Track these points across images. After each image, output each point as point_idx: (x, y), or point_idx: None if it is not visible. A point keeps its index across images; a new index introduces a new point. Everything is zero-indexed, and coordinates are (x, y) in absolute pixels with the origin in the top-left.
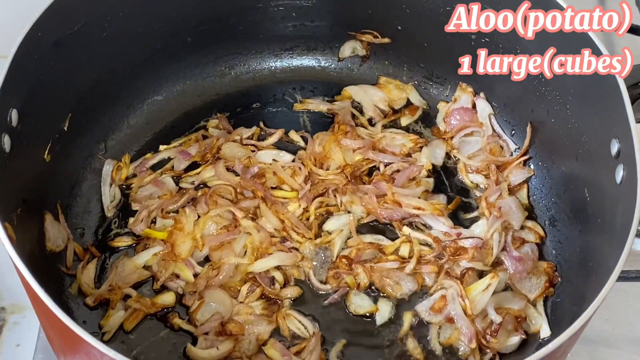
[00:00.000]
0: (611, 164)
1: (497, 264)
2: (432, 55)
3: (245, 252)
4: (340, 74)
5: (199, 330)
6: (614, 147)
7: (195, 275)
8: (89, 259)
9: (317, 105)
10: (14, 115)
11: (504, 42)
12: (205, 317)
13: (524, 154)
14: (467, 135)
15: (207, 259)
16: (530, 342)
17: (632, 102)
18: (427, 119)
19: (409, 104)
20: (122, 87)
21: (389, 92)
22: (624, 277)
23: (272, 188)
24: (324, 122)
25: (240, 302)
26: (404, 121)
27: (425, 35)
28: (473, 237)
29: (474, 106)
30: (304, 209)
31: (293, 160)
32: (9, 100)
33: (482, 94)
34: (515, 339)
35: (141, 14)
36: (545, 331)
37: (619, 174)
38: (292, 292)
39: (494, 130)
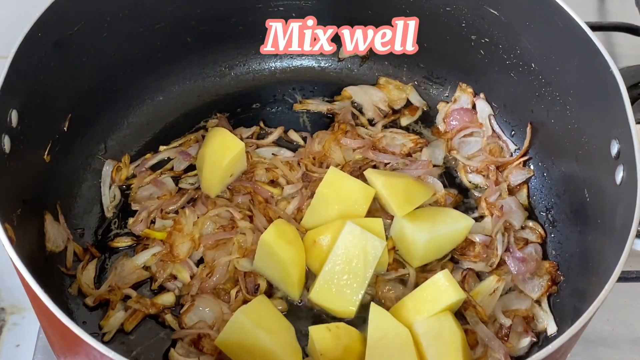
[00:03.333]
0: (611, 165)
1: (498, 265)
2: (431, 56)
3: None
4: (340, 74)
5: (176, 334)
6: (614, 148)
7: (193, 277)
8: (89, 259)
9: (317, 105)
10: (14, 115)
11: (504, 43)
12: (193, 320)
13: (524, 155)
14: (467, 136)
15: (202, 260)
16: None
17: (632, 103)
18: (427, 119)
19: (408, 104)
20: (122, 87)
21: (388, 92)
22: (624, 277)
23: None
24: (323, 123)
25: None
26: (404, 121)
27: (425, 35)
28: (483, 234)
29: (473, 107)
30: (297, 208)
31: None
32: (9, 101)
33: (482, 95)
34: (526, 341)
35: (141, 14)
36: (552, 328)
37: (619, 174)
38: (277, 305)
39: (493, 130)
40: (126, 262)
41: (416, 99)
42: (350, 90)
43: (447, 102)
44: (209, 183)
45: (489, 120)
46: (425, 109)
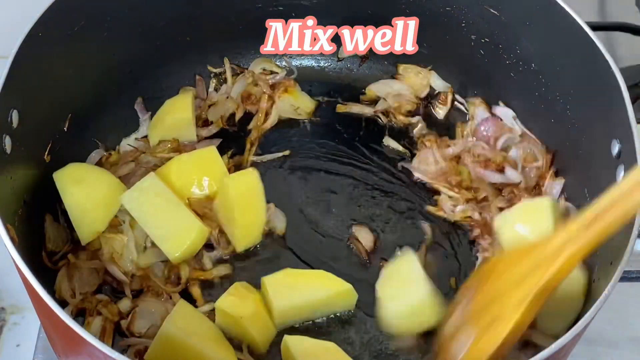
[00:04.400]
0: (612, 165)
1: None
2: (431, 56)
3: None
4: (340, 74)
5: (122, 343)
6: (615, 148)
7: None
8: None
9: (362, 108)
10: (14, 116)
11: (504, 43)
12: (144, 327)
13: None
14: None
15: None
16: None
17: (633, 102)
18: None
19: (433, 92)
20: (122, 87)
21: (409, 80)
22: (625, 277)
23: None
24: (325, 129)
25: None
26: (440, 113)
27: (425, 35)
28: None
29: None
30: None
31: None
32: (9, 101)
33: (500, 103)
34: None
35: (141, 13)
36: None
37: (620, 174)
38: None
39: (523, 130)
40: None
41: (439, 84)
42: (373, 88)
43: (465, 122)
44: None
45: (515, 121)
46: (453, 92)
